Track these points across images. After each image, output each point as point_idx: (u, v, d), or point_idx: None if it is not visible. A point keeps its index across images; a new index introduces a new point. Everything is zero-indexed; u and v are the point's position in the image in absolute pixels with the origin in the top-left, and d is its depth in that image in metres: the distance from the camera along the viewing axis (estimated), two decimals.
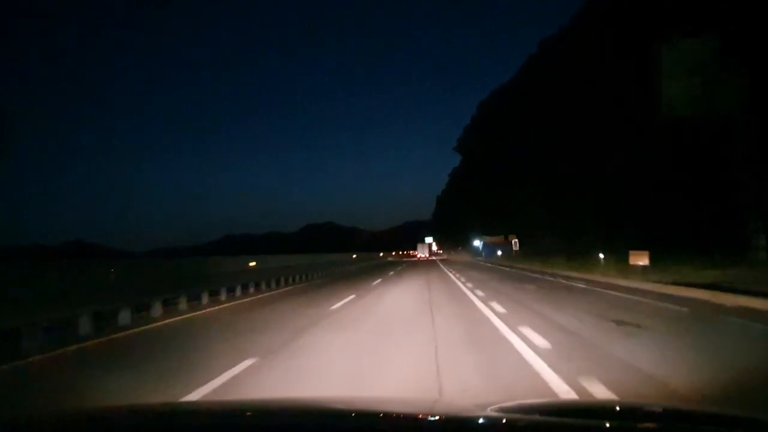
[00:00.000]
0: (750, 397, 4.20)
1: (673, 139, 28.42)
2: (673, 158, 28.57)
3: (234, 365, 5.74)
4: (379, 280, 22.84)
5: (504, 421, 1.71)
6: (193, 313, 11.64)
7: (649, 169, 31.07)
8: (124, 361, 6.82)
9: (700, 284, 12.46)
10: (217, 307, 12.93)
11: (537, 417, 1.79)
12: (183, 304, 12.51)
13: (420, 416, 1.94)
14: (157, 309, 11.26)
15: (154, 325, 9.95)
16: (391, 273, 29.49)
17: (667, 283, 13.74)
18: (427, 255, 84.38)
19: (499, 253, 53.03)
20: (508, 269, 31.16)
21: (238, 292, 16.07)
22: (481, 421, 1.69)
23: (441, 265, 40.60)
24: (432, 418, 1.87)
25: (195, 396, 4.64)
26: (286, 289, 19.15)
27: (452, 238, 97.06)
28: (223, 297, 14.74)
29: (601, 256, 22.40)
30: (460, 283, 18.68)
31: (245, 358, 6.07)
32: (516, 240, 48.30)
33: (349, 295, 14.63)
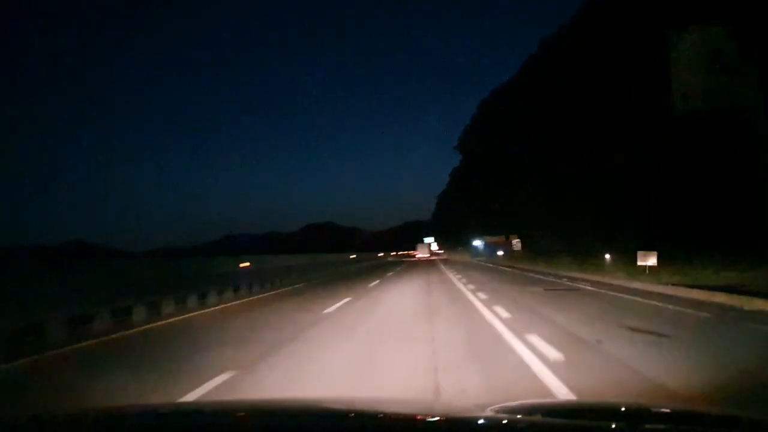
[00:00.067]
0: None
1: (674, 139, 28.12)
2: (673, 158, 28.30)
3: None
4: (377, 281, 22.14)
5: (505, 421, 1.69)
6: (159, 322, 10.57)
7: (649, 169, 30.86)
8: (96, 370, 6.10)
9: (717, 287, 11.69)
10: (202, 311, 12.23)
11: (538, 418, 1.78)
12: (170, 307, 11.88)
13: (419, 417, 1.92)
14: (139, 313, 10.63)
15: (131, 331, 9.24)
16: (390, 274, 28.77)
17: (679, 285, 13.01)
18: (427, 255, 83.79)
19: (500, 253, 52.33)
20: (510, 270, 30.47)
21: (229, 294, 15.44)
22: (481, 421, 1.67)
23: (441, 266, 39.88)
24: (432, 419, 1.86)
25: None
26: (280, 290, 18.48)
27: (452, 238, 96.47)
28: (212, 300, 14.08)
29: (607, 256, 21.70)
30: (461, 285, 17.98)
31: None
32: (517, 240, 47.66)
33: (345, 298, 13.95)
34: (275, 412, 2.03)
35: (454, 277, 23.00)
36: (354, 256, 50.21)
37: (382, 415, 1.86)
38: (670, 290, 12.81)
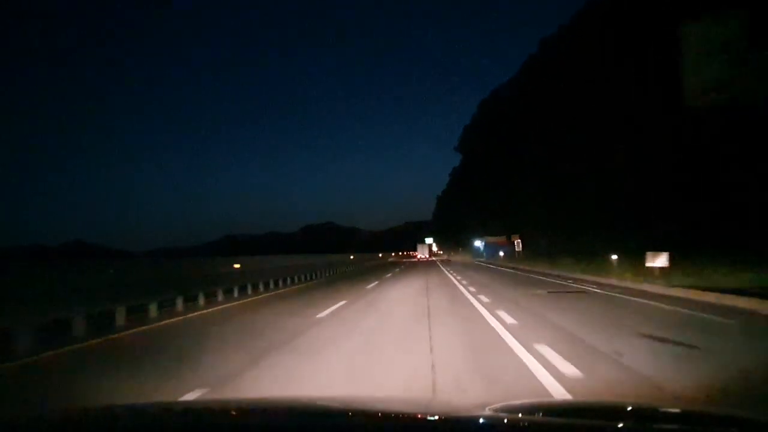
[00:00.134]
0: None
1: (674, 139, 27.76)
2: (673, 158, 27.97)
3: None
4: (375, 283, 21.45)
5: (505, 420, 1.67)
6: (142, 327, 10.02)
7: (649, 169, 30.55)
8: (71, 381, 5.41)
9: (734, 290, 11.00)
10: (185, 316, 11.52)
11: (539, 417, 1.76)
12: (153, 311, 11.23)
13: (419, 416, 1.92)
14: (120, 317, 9.99)
15: (100, 339, 8.53)
16: (389, 275, 28.05)
17: (692, 288, 12.33)
18: (427, 256, 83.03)
19: (501, 253, 51.68)
20: (512, 271, 29.79)
21: (220, 296, 14.77)
22: (482, 421, 1.64)
23: (441, 267, 39.18)
24: (431, 418, 1.86)
25: None
26: (275, 292, 17.78)
27: (453, 238, 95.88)
28: (201, 302, 13.42)
29: (614, 257, 21.01)
30: (461, 287, 17.30)
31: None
32: (519, 240, 47.02)
33: (340, 301, 13.28)
34: (274, 411, 2.03)
35: (454, 279, 22.32)
36: (352, 257, 49.51)
37: (381, 414, 1.86)
38: (684, 293, 12.13)
